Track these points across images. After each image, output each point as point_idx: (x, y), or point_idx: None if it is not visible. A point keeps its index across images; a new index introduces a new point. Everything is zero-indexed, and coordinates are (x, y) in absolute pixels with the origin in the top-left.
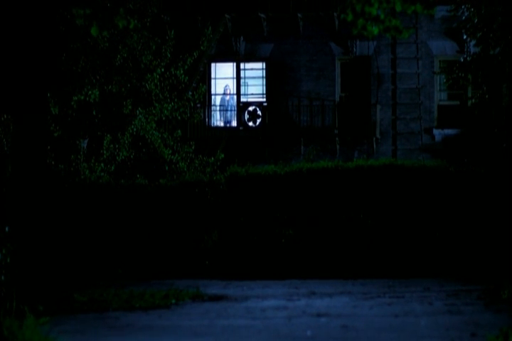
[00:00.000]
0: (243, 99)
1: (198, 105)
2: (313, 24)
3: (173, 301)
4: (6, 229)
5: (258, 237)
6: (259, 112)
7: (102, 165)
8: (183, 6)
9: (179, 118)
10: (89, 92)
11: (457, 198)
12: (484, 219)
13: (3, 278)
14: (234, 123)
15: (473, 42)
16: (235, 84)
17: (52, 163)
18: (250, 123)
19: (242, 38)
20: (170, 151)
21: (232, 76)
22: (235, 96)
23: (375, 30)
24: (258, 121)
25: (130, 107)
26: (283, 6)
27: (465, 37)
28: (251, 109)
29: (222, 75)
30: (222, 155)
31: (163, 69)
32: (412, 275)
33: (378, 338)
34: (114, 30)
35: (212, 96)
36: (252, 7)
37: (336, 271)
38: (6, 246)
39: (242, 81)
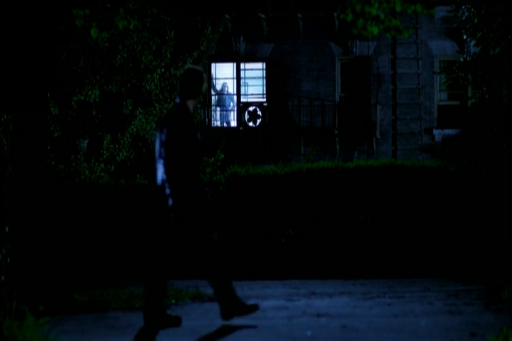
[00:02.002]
0: (243, 100)
1: (198, 105)
2: (313, 24)
3: (173, 301)
4: (6, 229)
5: (258, 237)
6: (259, 112)
7: (102, 165)
8: (183, 6)
9: None
10: (89, 92)
11: (457, 198)
12: (484, 219)
13: (3, 278)
14: (234, 124)
15: (473, 43)
16: (235, 84)
17: (52, 163)
18: (250, 124)
19: (242, 38)
20: None
21: (232, 76)
22: (235, 97)
23: (375, 30)
24: (258, 121)
25: (130, 107)
26: (283, 6)
27: (465, 37)
28: (251, 109)
29: (222, 75)
30: (222, 156)
31: (163, 70)
32: (412, 276)
33: (378, 338)
34: (114, 30)
35: (212, 97)
36: (252, 7)
37: (336, 271)
38: (6, 246)
39: (242, 81)
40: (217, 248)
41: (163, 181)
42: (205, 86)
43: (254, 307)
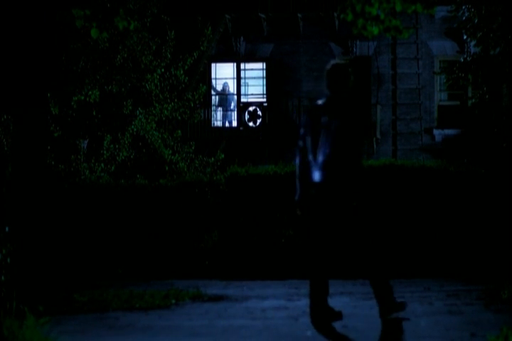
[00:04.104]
0: (243, 100)
1: (198, 106)
2: (313, 24)
3: (173, 301)
4: (6, 229)
5: (258, 237)
6: (259, 112)
7: (102, 165)
8: (183, 6)
9: (179, 118)
10: (89, 92)
11: (457, 198)
12: (484, 219)
13: (3, 278)
14: (234, 124)
15: (473, 43)
16: (235, 84)
17: (52, 163)
18: (250, 124)
19: (242, 38)
20: (170, 151)
21: (232, 76)
22: (235, 97)
23: (375, 30)
24: (258, 121)
25: (130, 107)
26: (283, 6)
27: (465, 37)
28: (251, 109)
29: (223, 75)
30: (223, 156)
31: (163, 70)
32: (412, 276)
33: (378, 338)
34: (114, 31)
35: (213, 97)
36: (252, 7)
37: (336, 271)
38: (6, 246)
39: (242, 81)
40: (379, 246)
41: (336, 175)
42: (352, 79)
43: (403, 305)
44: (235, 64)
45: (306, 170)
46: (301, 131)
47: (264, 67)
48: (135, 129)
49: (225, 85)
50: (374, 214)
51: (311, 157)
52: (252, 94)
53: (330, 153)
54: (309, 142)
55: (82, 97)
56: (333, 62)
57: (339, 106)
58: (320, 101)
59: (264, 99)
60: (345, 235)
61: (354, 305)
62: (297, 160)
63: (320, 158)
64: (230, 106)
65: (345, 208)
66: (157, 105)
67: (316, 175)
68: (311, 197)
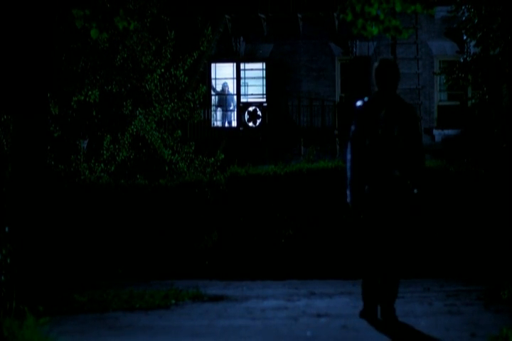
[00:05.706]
0: (243, 100)
1: (198, 106)
2: (313, 24)
3: (173, 301)
4: (6, 229)
5: (258, 237)
6: (259, 112)
7: (102, 165)
8: (183, 6)
9: (179, 118)
10: (89, 92)
11: (457, 198)
12: (484, 219)
13: (3, 278)
14: (234, 124)
15: (473, 43)
16: (235, 84)
17: (52, 163)
18: (250, 124)
19: (242, 38)
20: (170, 152)
21: (232, 76)
22: (235, 97)
23: (375, 30)
24: (258, 121)
25: (130, 108)
26: (283, 6)
27: (465, 37)
28: (251, 109)
29: (222, 75)
30: (222, 156)
31: (163, 70)
32: (412, 276)
33: (378, 338)
34: (114, 31)
35: (212, 97)
36: (252, 7)
37: (336, 271)
38: (6, 246)
39: (242, 81)
40: (410, 249)
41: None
42: (400, 75)
43: None
44: (235, 64)
45: (362, 165)
46: (354, 127)
47: (264, 67)
48: (135, 129)
49: (224, 85)
50: (423, 215)
51: (370, 153)
52: (251, 94)
53: (396, 149)
54: (367, 138)
55: (82, 97)
56: (381, 59)
57: (397, 102)
58: (371, 98)
59: (264, 99)
60: (391, 231)
61: (354, 305)
62: (349, 156)
63: (384, 153)
64: (230, 106)
65: (405, 204)
66: (157, 105)
67: (379, 170)
68: (371, 192)
